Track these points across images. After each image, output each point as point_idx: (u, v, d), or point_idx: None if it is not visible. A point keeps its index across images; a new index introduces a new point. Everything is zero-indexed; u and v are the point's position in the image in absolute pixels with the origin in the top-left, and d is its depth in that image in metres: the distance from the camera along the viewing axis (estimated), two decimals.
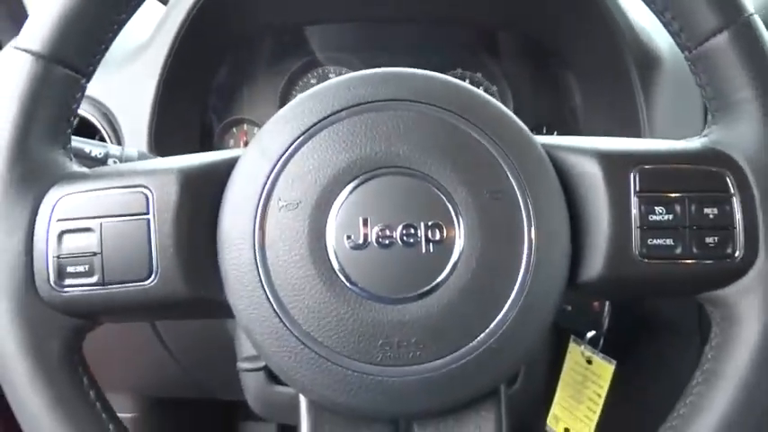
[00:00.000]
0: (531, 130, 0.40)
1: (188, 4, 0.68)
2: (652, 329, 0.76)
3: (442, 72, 0.40)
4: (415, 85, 0.39)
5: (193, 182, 0.39)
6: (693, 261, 0.39)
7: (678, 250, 0.39)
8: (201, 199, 0.39)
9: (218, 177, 0.40)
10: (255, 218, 0.38)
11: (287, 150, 0.38)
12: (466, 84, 0.41)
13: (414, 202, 0.38)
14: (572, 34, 0.74)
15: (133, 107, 0.68)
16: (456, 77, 0.42)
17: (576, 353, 0.69)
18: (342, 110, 0.38)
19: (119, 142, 0.68)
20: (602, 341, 0.69)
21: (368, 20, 0.79)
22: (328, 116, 0.38)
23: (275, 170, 0.38)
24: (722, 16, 0.39)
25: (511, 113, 0.40)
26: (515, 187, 0.38)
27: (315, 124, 0.38)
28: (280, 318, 0.37)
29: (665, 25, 0.41)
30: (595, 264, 0.39)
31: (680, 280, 0.40)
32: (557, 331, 0.69)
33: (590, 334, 0.69)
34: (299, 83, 0.79)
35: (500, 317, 0.37)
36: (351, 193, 0.38)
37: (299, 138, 0.38)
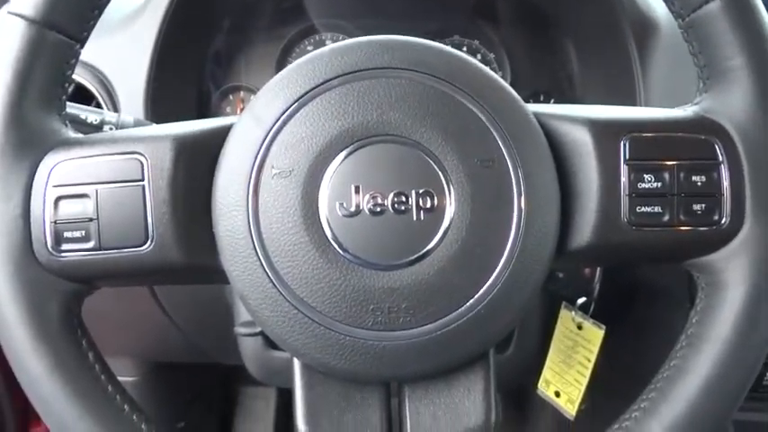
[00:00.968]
0: (528, 98, 0.40)
1: None
2: (642, 295, 0.77)
3: (439, 39, 0.40)
4: (407, 53, 0.39)
5: (188, 149, 0.39)
6: (681, 228, 0.40)
7: (666, 218, 0.39)
8: (196, 166, 0.40)
9: (213, 144, 0.40)
10: (249, 185, 0.38)
11: (280, 118, 0.38)
12: (459, 52, 0.41)
13: (405, 170, 0.38)
14: (570, 1, 0.73)
15: (129, 73, 0.68)
16: (453, 44, 0.42)
17: (566, 318, 0.70)
18: (334, 78, 0.38)
19: (115, 108, 0.68)
20: (592, 307, 0.70)
21: None
22: (320, 84, 0.38)
23: (268, 138, 0.38)
24: None
25: (503, 82, 0.40)
26: (506, 155, 0.38)
27: (307, 92, 0.38)
28: (273, 283, 0.38)
29: None
30: (585, 231, 0.40)
31: (667, 247, 0.41)
32: (548, 297, 0.70)
33: (581, 300, 0.70)
34: (296, 50, 0.78)
35: (489, 283, 0.38)
36: (343, 161, 0.38)
37: (291, 106, 0.38)
